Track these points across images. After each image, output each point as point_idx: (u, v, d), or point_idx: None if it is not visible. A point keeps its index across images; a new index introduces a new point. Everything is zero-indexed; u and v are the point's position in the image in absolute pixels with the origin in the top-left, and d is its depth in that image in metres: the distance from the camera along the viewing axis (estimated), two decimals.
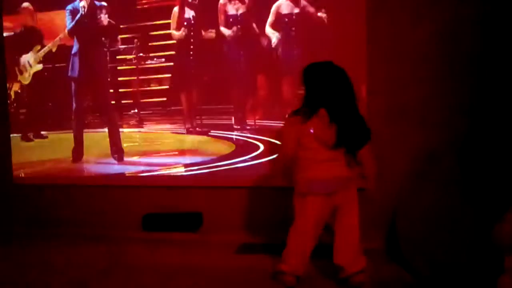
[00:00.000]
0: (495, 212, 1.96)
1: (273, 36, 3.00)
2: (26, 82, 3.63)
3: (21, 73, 3.61)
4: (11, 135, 3.66)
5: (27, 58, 3.59)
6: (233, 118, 3.17)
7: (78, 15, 3.39)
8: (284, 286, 2.26)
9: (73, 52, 3.45)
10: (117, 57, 3.41)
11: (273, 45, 3.01)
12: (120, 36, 3.37)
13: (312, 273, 2.39)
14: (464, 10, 2.64)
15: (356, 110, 2.17)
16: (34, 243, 3.26)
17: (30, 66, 3.58)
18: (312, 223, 2.20)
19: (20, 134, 3.66)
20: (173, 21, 3.23)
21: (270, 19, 3.01)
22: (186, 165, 3.28)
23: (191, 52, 3.23)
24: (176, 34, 3.24)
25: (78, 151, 3.51)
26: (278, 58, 3.02)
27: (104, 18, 3.36)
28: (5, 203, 3.64)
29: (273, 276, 2.34)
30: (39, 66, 3.59)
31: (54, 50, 3.53)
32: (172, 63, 3.30)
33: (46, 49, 3.55)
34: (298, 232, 2.24)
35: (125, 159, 3.41)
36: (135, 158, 3.40)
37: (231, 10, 3.10)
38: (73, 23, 3.41)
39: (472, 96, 2.65)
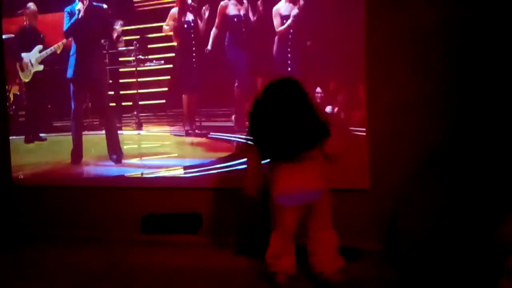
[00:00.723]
0: (496, 213, 1.96)
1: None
2: (27, 79, 3.61)
3: (22, 69, 3.60)
4: (10, 137, 3.65)
5: (29, 57, 3.57)
6: (233, 118, 3.15)
7: (74, 18, 3.38)
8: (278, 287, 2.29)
9: (71, 53, 3.44)
10: (118, 59, 3.41)
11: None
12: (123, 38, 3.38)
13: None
14: (463, 10, 2.64)
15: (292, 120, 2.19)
16: (33, 245, 3.25)
17: (32, 65, 3.57)
18: (290, 231, 2.32)
19: (18, 137, 3.64)
20: (169, 19, 3.22)
21: (275, 22, 2.99)
22: (185, 167, 3.27)
23: (194, 54, 3.22)
24: (166, 28, 3.23)
25: (77, 153, 3.50)
26: (278, 60, 3.00)
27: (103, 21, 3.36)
28: (4, 205, 3.63)
29: (268, 278, 2.35)
30: (40, 67, 3.58)
31: (59, 51, 3.52)
32: (171, 65, 3.29)
33: (48, 51, 3.54)
34: (280, 238, 2.33)
35: (124, 161, 3.40)
36: (134, 160, 3.39)
37: (233, 11, 3.09)
38: (69, 25, 3.41)
39: (472, 96, 2.65)
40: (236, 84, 3.12)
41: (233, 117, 3.14)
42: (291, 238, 2.35)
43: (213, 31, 3.13)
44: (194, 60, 3.22)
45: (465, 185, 2.45)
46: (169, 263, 2.73)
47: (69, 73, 3.45)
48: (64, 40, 3.48)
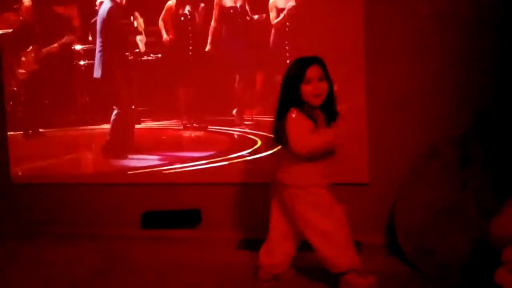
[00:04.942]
0: (495, 206, 1.96)
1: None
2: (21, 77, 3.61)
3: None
4: (8, 133, 3.64)
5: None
6: (235, 111, 3.14)
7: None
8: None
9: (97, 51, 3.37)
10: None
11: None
12: None
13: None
14: (461, 2, 2.61)
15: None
16: (32, 242, 3.26)
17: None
18: (278, 226, 2.21)
19: (17, 132, 3.64)
20: (165, 12, 3.19)
21: (272, 15, 2.97)
22: (183, 161, 3.26)
23: (191, 48, 3.20)
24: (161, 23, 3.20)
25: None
26: (275, 52, 2.99)
27: None
28: (2, 202, 3.63)
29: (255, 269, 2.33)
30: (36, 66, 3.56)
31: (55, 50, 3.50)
32: (168, 59, 3.28)
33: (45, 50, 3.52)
34: (270, 233, 2.25)
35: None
36: (133, 155, 3.39)
37: (229, 3, 3.07)
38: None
39: (472, 89, 2.63)
40: (237, 78, 3.10)
41: (234, 111, 3.13)
42: (284, 235, 2.19)
43: (212, 26, 3.10)
44: (190, 53, 3.20)
45: (464, 178, 2.44)
46: (169, 259, 2.74)
47: (97, 73, 3.38)
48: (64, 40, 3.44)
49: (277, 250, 2.21)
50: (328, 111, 2.10)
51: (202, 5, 3.12)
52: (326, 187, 2.13)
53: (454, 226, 2.33)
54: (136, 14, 3.26)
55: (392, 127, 2.77)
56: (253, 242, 2.91)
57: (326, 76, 2.07)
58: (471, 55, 2.62)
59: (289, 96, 2.05)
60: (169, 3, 3.20)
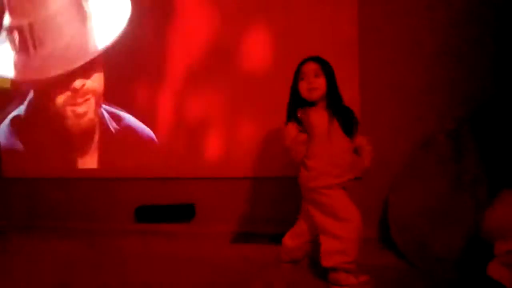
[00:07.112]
0: (489, 199, 1.97)
1: None
2: None
3: None
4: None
5: None
6: None
7: None
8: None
9: None
10: None
11: None
12: None
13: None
14: None
15: None
16: (24, 236, 3.24)
17: None
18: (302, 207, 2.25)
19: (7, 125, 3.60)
20: None
21: None
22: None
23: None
24: None
25: None
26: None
27: None
28: None
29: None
30: None
31: None
32: None
33: None
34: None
35: None
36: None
37: None
38: None
39: (466, 82, 2.64)
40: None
41: None
42: (310, 225, 2.18)
43: None
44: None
45: (459, 171, 2.45)
46: (163, 253, 2.74)
47: None
48: None
49: (301, 237, 2.23)
50: (339, 114, 2.08)
51: None
52: (340, 187, 2.10)
53: (447, 220, 2.34)
54: None
55: (386, 121, 2.77)
56: (248, 236, 2.93)
57: (327, 75, 2.06)
58: (465, 49, 2.63)
59: (292, 97, 2.09)
60: None
